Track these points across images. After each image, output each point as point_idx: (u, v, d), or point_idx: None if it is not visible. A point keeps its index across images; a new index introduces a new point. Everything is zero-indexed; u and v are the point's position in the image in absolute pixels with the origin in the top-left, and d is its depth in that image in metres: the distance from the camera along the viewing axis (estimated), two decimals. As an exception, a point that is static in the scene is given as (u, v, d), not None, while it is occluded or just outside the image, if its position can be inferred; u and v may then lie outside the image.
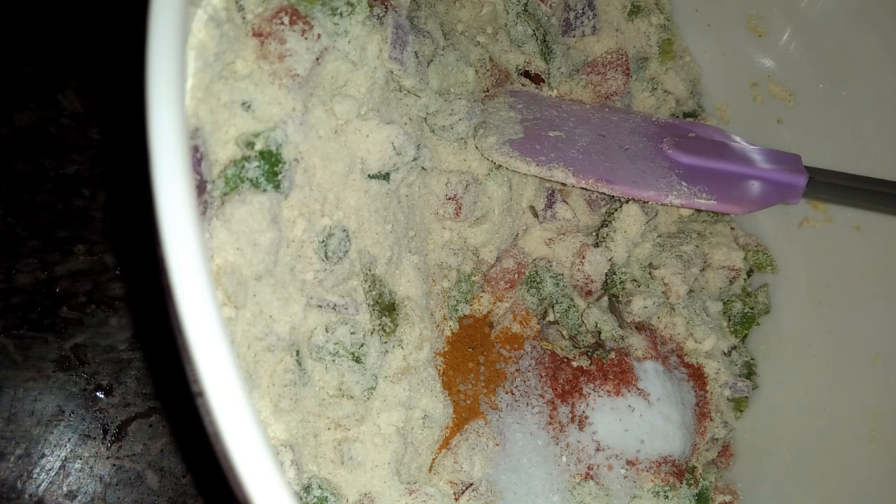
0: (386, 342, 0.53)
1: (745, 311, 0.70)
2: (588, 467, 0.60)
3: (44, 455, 0.59)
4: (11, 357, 0.60)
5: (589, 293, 0.65)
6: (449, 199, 0.59)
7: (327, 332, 0.49)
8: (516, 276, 0.63)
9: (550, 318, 0.65)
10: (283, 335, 0.46)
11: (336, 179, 0.49)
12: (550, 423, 0.60)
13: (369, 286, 0.52)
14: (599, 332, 0.64)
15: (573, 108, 0.67)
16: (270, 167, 0.44)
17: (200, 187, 0.40)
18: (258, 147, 0.43)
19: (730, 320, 0.70)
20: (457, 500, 0.55)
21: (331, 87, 0.49)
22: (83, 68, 0.67)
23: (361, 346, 0.50)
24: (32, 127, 0.65)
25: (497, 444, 0.57)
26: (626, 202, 0.65)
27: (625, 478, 0.60)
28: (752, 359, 0.71)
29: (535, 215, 0.65)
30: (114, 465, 0.61)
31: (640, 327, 0.66)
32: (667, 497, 0.60)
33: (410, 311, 0.54)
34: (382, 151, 0.51)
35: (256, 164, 0.43)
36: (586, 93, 0.69)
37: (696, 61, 0.75)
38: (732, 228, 0.72)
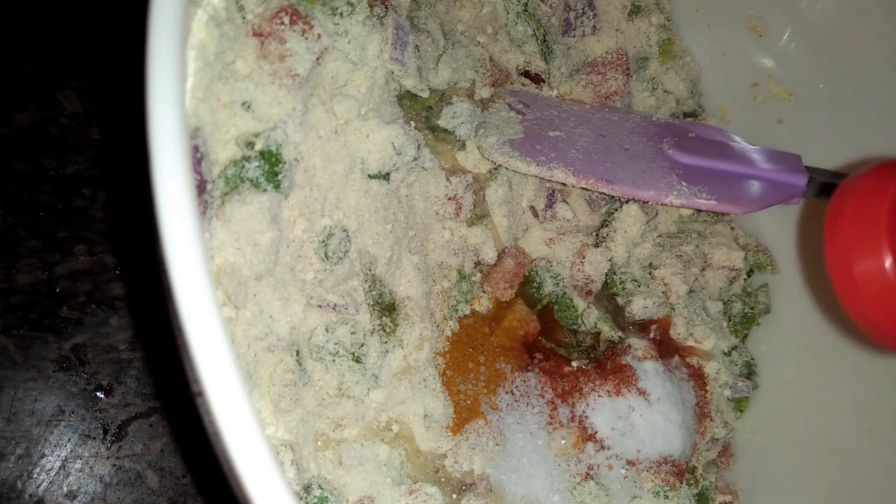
0: (386, 342, 0.53)
1: (745, 311, 0.70)
2: (588, 467, 0.59)
3: (44, 455, 0.59)
4: (11, 357, 0.60)
5: (589, 293, 0.65)
6: (449, 199, 0.59)
7: (327, 332, 0.49)
8: (516, 276, 0.63)
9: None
10: (283, 335, 0.46)
11: (336, 179, 0.49)
12: (551, 424, 0.60)
13: (369, 286, 0.52)
14: (599, 333, 0.64)
15: (573, 108, 0.67)
16: (270, 167, 0.44)
17: (200, 187, 0.40)
18: (258, 147, 0.43)
19: (730, 320, 0.70)
20: (457, 500, 0.55)
21: (331, 87, 0.49)
22: (83, 68, 0.67)
23: (361, 346, 0.50)
24: (32, 127, 0.65)
25: (497, 444, 0.57)
26: (626, 202, 0.65)
27: (625, 478, 0.60)
28: (752, 359, 0.71)
29: (535, 215, 0.65)
30: (114, 465, 0.61)
31: (645, 328, 0.66)
32: (667, 497, 0.60)
33: (410, 311, 0.54)
34: (382, 151, 0.51)
35: (256, 164, 0.43)
36: (586, 93, 0.69)
37: (696, 61, 0.75)
38: (732, 228, 0.72)
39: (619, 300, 0.66)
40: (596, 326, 0.64)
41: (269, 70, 0.45)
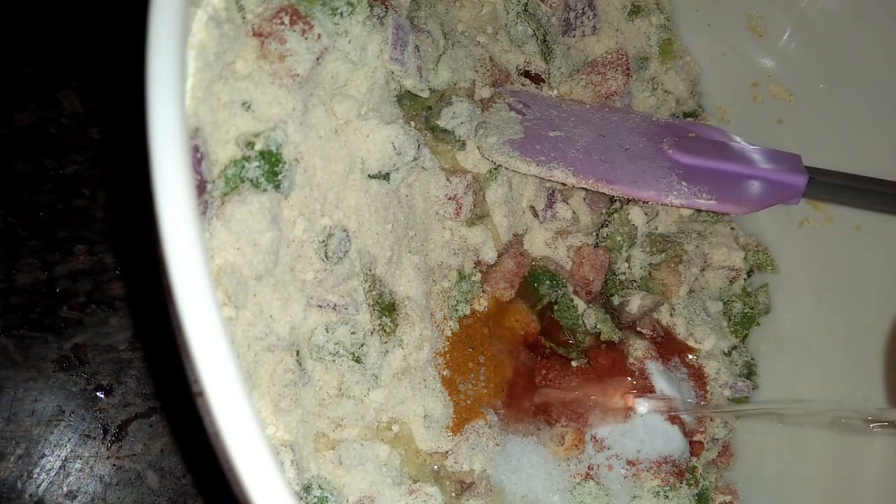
0: (386, 342, 0.53)
1: (745, 311, 0.70)
2: (588, 467, 0.60)
3: (44, 455, 0.59)
4: (11, 357, 0.60)
5: (589, 293, 0.65)
6: (449, 199, 0.59)
7: (327, 332, 0.49)
8: (516, 276, 0.63)
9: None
10: (283, 335, 0.46)
11: (336, 179, 0.49)
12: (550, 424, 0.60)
13: (369, 286, 0.52)
14: (599, 333, 0.64)
15: (573, 108, 0.67)
16: (270, 167, 0.44)
17: (200, 187, 0.40)
18: (258, 147, 0.43)
19: (730, 320, 0.70)
20: (457, 500, 0.55)
21: (331, 87, 0.49)
22: (83, 68, 0.67)
23: (361, 346, 0.50)
24: (32, 127, 0.65)
25: (497, 444, 0.57)
26: (626, 202, 0.65)
27: (625, 478, 0.60)
28: (752, 359, 0.71)
29: (535, 215, 0.65)
30: (114, 465, 0.61)
31: (644, 327, 0.66)
32: (667, 497, 0.60)
33: (410, 311, 0.54)
34: (382, 151, 0.51)
35: (256, 164, 0.43)
36: (586, 93, 0.69)
37: (696, 61, 0.75)
38: (732, 228, 0.72)
39: (618, 300, 0.66)
40: (596, 326, 0.64)
41: (269, 70, 0.45)
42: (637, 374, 0.63)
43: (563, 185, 0.64)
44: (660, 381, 0.63)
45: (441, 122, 0.59)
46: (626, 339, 0.64)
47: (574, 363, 0.63)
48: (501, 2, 0.67)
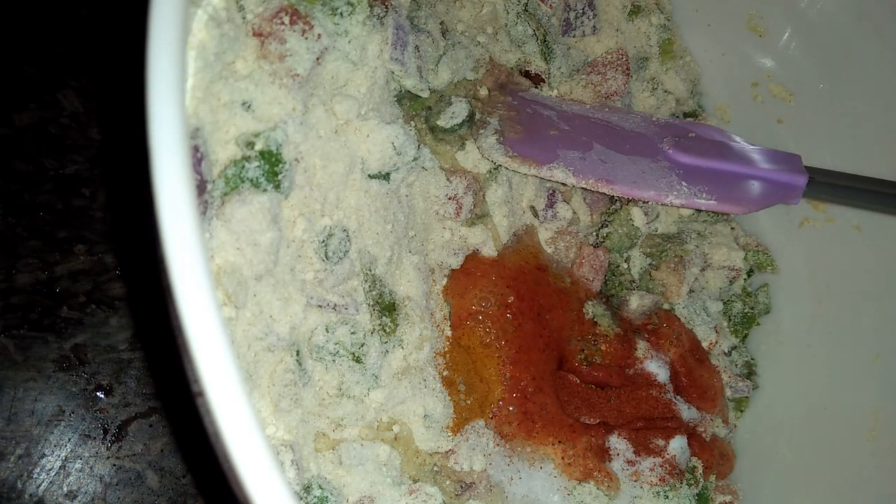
0: (386, 342, 0.53)
1: (746, 311, 0.70)
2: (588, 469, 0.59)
3: (44, 455, 0.59)
4: (11, 357, 0.60)
5: (588, 293, 0.65)
6: (449, 199, 0.59)
7: (327, 332, 0.49)
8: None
9: None
10: (283, 335, 0.46)
11: (336, 179, 0.49)
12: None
13: (369, 286, 0.52)
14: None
15: (573, 108, 0.67)
16: (270, 167, 0.44)
17: (200, 187, 0.40)
18: (258, 147, 0.43)
19: (730, 320, 0.70)
20: (457, 500, 0.55)
21: (331, 87, 0.49)
22: (83, 68, 0.67)
23: (362, 346, 0.50)
24: (32, 127, 0.65)
25: (497, 444, 0.57)
26: (627, 202, 0.65)
27: (625, 478, 0.60)
28: (752, 359, 0.71)
29: (535, 215, 0.65)
30: (114, 465, 0.61)
31: (643, 327, 0.66)
32: (667, 497, 0.60)
33: (410, 311, 0.54)
34: (382, 151, 0.51)
35: (257, 164, 0.43)
36: (586, 93, 0.69)
37: (696, 61, 0.75)
38: (732, 228, 0.72)
39: (618, 300, 0.66)
40: (594, 319, 0.64)
41: (269, 70, 0.45)
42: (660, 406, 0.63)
43: (563, 185, 0.64)
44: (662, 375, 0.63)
45: (441, 122, 0.59)
46: (626, 338, 0.64)
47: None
48: (501, 2, 0.67)
